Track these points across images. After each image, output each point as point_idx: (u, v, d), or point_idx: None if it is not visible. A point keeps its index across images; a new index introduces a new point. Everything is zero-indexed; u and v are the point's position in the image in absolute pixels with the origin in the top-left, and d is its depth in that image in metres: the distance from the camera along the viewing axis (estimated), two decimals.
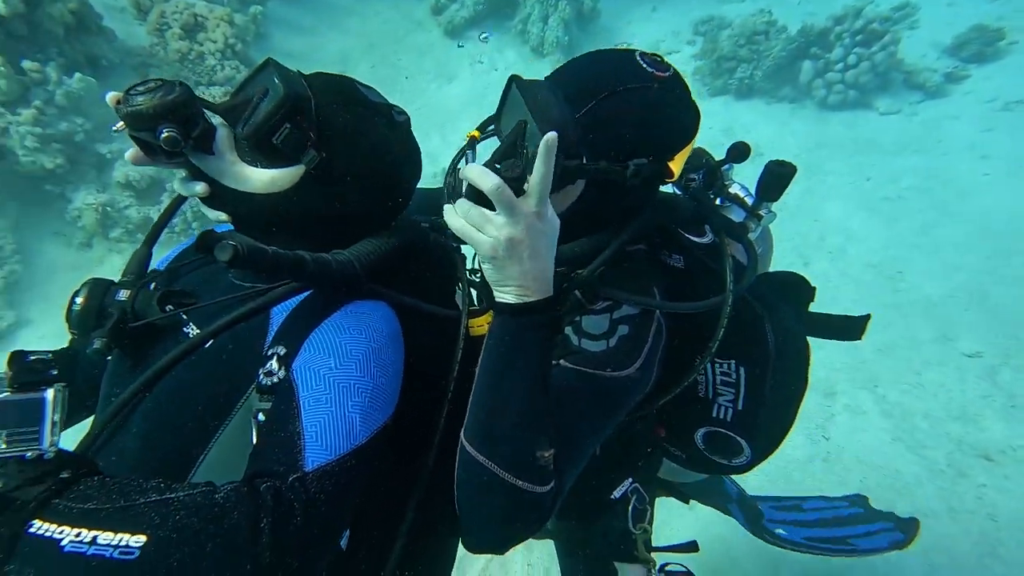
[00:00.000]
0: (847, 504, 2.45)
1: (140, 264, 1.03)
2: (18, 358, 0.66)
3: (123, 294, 0.94)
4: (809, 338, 1.43)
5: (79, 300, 0.94)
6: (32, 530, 0.59)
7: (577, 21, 6.68)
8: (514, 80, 1.02)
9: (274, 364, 0.83)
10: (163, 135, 0.77)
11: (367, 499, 0.86)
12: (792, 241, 4.99)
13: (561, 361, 1.02)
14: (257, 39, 5.19)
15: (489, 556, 2.85)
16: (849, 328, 1.47)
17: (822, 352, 4.12)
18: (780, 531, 2.27)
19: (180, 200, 1.03)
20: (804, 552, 2.23)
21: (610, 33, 7.14)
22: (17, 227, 3.62)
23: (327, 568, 0.86)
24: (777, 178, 1.27)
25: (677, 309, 1.09)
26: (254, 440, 0.82)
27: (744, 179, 1.40)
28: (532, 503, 0.84)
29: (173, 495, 0.66)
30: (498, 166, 0.79)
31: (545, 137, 0.77)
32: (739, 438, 1.28)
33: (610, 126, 0.98)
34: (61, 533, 0.59)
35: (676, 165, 1.04)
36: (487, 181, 0.77)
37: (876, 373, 4.01)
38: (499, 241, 0.80)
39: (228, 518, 0.65)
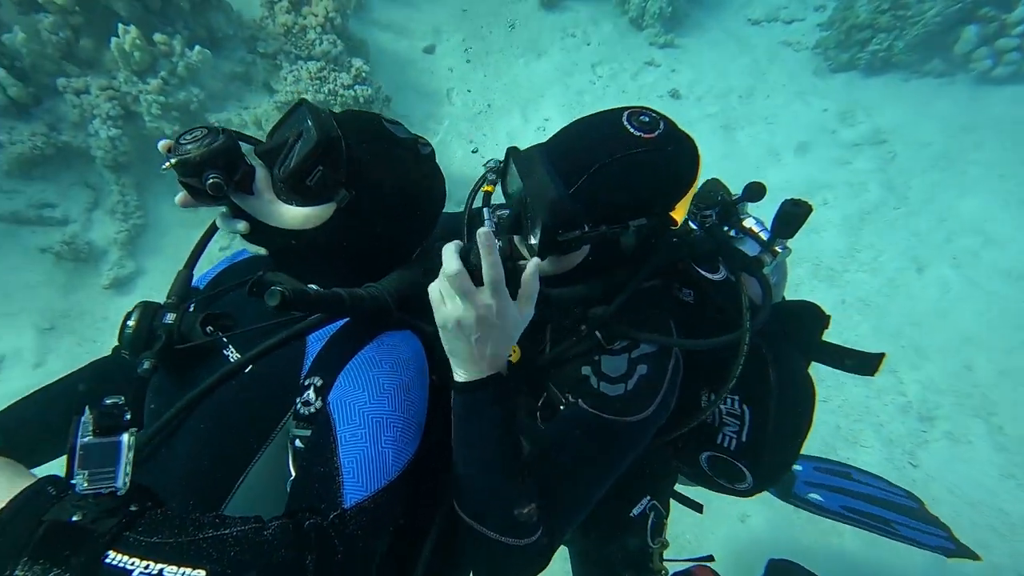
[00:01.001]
0: (904, 495, 2.31)
1: (184, 285, 1.11)
2: (97, 404, 0.74)
3: (169, 317, 1.02)
4: (880, 360, 1.40)
5: (131, 323, 1.01)
6: (108, 560, 0.66)
7: None
8: (511, 154, 1.11)
9: (311, 394, 0.90)
10: (209, 182, 0.85)
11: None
12: (908, 242, 4.36)
13: (579, 401, 1.08)
14: (357, 9, 5.40)
15: None
16: (862, 364, 1.42)
17: (922, 372, 3.67)
18: (814, 495, 2.19)
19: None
20: (836, 520, 2.15)
21: (722, 1, 6.55)
22: (140, 186, 4.13)
23: None
24: (791, 217, 1.31)
25: (695, 346, 1.12)
26: (291, 465, 0.89)
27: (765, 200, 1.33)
28: (519, 554, 0.91)
29: (227, 531, 0.72)
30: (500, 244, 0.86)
31: (478, 233, 0.81)
32: (741, 466, 1.30)
33: (604, 197, 1.03)
34: (132, 564, 0.66)
35: (679, 212, 1.10)
36: (449, 265, 0.84)
37: (994, 400, 3.47)
38: (449, 318, 0.87)
39: (277, 554, 0.71)
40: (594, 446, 1.04)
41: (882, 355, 1.39)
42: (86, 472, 0.70)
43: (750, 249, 1.35)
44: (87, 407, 0.73)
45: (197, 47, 4.31)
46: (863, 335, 3.87)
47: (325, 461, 0.83)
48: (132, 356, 1.00)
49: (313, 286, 0.94)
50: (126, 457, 0.71)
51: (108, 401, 0.75)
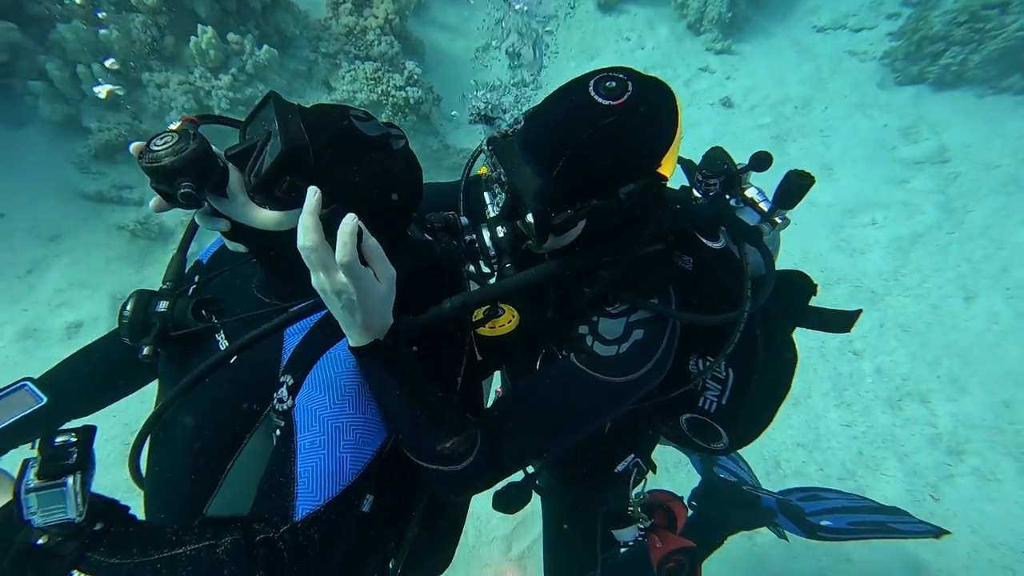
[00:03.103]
0: (862, 498, 2.50)
1: (177, 271, 1.14)
2: (47, 442, 0.76)
3: (162, 305, 1.05)
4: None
5: (127, 312, 1.05)
6: None
7: None
8: (491, 145, 1.12)
9: (284, 392, 0.93)
10: (181, 191, 0.83)
11: (387, 473, 0.98)
12: (958, 269, 4.17)
13: (571, 356, 1.12)
14: (417, 9, 5.61)
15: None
16: (839, 322, 1.42)
17: (957, 404, 3.56)
18: (826, 522, 2.31)
19: None
20: (851, 539, 2.30)
21: (786, 6, 6.35)
22: None
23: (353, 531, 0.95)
24: (795, 188, 1.30)
25: (696, 321, 1.15)
26: None
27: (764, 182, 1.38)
28: (453, 477, 0.99)
29: (182, 550, 0.78)
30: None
31: (344, 222, 0.80)
32: (719, 427, 1.35)
33: (587, 172, 1.03)
34: None
35: (667, 166, 1.07)
36: (304, 239, 0.80)
37: None
38: (316, 287, 0.87)
39: (227, 570, 0.77)
40: (568, 395, 1.07)
41: (859, 311, 1.39)
42: (38, 511, 0.72)
43: (749, 218, 1.36)
44: (40, 446, 0.77)
45: (265, 47, 4.63)
46: (899, 361, 3.76)
47: (283, 469, 0.86)
48: (132, 343, 1.05)
49: None
50: (73, 500, 0.73)
51: (59, 440, 0.76)
